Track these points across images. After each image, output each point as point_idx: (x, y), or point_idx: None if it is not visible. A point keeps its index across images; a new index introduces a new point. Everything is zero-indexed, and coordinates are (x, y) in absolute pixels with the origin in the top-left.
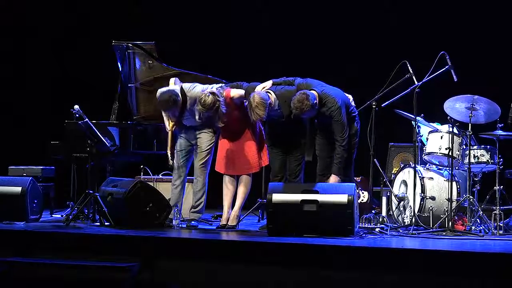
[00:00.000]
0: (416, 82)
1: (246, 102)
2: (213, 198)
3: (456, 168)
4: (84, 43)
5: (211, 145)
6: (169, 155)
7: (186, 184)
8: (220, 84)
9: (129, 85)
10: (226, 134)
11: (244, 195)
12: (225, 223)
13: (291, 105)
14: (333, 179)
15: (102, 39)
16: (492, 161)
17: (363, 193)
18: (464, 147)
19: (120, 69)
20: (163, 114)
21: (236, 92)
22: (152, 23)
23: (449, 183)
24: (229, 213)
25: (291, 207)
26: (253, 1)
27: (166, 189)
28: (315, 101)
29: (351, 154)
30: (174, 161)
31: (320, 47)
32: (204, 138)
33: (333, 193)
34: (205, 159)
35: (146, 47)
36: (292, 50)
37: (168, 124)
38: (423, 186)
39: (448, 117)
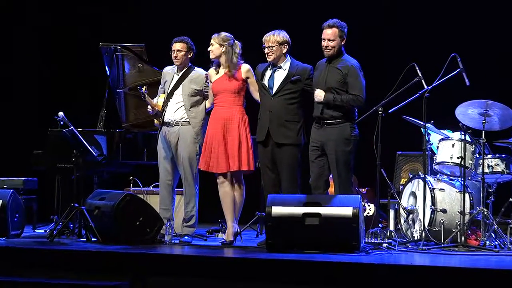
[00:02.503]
0: (425, 86)
1: (248, 80)
2: (207, 211)
3: (469, 178)
4: (71, 46)
5: (196, 152)
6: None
7: (177, 196)
8: None
9: (117, 90)
10: (213, 126)
11: (238, 207)
12: (231, 239)
13: None
14: (321, 94)
15: (89, 41)
16: (507, 171)
17: (369, 205)
18: (478, 156)
19: (108, 73)
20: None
21: (245, 66)
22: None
23: (462, 194)
24: (234, 228)
25: (292, 221)
26: (253, 2)
27: (157, 202)
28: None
29: (350, 165)
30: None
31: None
32: (187, 143)
33: (337, 206)
34: (191, 167)
35: (135, 49)
36: (294, 52)
37: (155, 105)
38: (433, 198)
39: (460, 124)
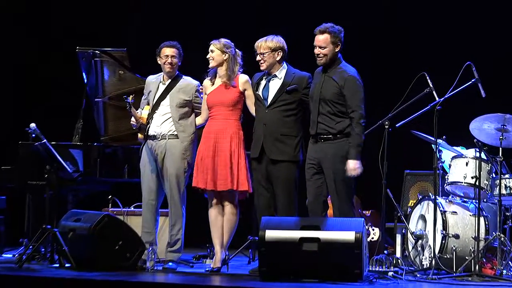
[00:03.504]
0: (437, 98)
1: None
2: (195, 234)
3: (484, 200)
4: (43, 49)
5: (184, 169)
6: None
7: (162, 218)
8: None
9: (95, 99)
10: (204, 140)
11: (231, 231)
12: (219, 265)
13: None
14: (352, 164)
15: (65, 45)
16: None
17: (373, 230)
18: (494, 175)
19: (86, 80)
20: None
21: (243, 77)
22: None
23: (476, 218)
24: (223, 253)
25: (288, 246)
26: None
27: (139, 224)
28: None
29: (350, 184)
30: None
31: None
32: (174, 158)
33: (338, 230)
34: (178, 185)
35: (116, 54)
36: (296, 60)
37: (139, 118)
38: (444, 222)
39: (475, 140)
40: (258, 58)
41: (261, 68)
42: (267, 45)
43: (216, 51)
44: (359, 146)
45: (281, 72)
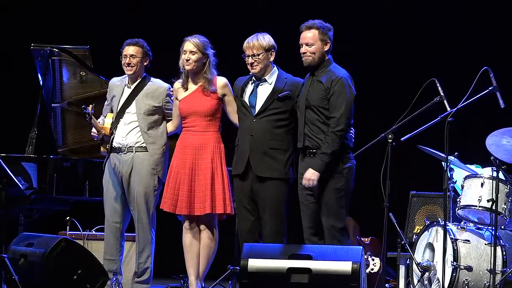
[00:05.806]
0: (448, 109)
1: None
2: (166, 262)
3: (502, 227)
4: None
5: (154, 187)
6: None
7: (127, 243)
8: None
9: (52, 105)
10: (180, 156)
11: (208, 259)
12: None
13: None
14: (310, 174)
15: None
16: None
17: (373, 260)
18: None
19: (41, 83)
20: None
21: (221, 80)
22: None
23: (492, 248)
24: (198, 285)
25: (274, 278)
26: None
27: (101, 251)
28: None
29: (343, 207)
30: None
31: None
32: (142, 174)
33: (332, 260)
34: (147, 205)
35: (77, 53)
36: (295, 66)
37: (101, 128)
38: (455, 252)
39: (492, 158)
40: (250, 60)
41: (253, 71)
42: (261, 44)
43: (198, 53)
44: (326, 157)
45: (271, 76)
